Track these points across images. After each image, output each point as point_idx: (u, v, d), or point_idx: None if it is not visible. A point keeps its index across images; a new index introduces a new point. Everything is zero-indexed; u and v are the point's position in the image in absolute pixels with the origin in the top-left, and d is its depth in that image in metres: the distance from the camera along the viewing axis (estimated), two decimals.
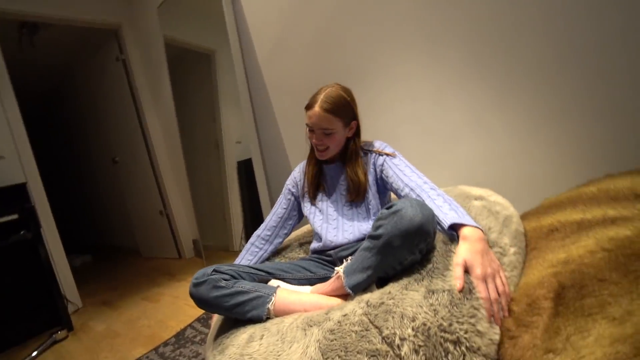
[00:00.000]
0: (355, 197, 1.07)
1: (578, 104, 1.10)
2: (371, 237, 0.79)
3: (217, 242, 2.90)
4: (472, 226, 0.77)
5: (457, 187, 1.08)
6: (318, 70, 1.74)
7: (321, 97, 1.01)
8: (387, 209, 0.78)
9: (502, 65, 1.21)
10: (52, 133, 4.97)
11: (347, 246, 1.06)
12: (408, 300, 0.70)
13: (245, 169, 2.59)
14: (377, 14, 1.47)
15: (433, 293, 0.70)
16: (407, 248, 0.74)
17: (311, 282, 1.04)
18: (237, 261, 1.17)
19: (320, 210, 1.14)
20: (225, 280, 0.89)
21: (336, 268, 0.87)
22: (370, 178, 1.08)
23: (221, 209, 2.75)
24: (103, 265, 3.66)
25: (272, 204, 2.23)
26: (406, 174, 1.00)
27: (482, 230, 0.77)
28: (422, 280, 0.74)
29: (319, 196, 1.16)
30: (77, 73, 3.75)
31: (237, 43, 2.06)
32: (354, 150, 1.09)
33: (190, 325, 1.65)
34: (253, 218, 2.57)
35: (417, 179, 0.96)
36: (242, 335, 0.83)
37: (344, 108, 1.03)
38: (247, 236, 2.70)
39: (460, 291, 0.69)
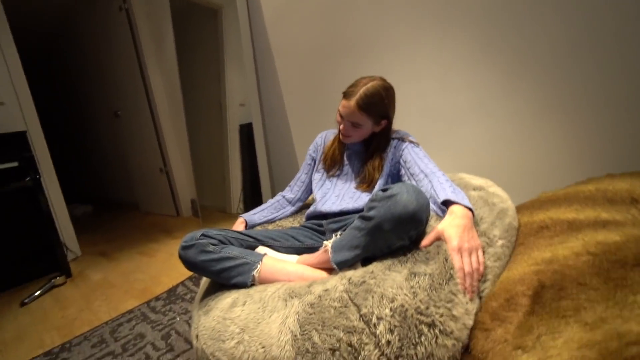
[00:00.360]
0: (365, 187, 1.10)
1: (588, 96, 1.06)
2: (363, 217, 0.79)
3: (215, 203, 2.93)
4: (462, 205, 0.79)
5: (457, 175, 1.07)
6: (324, 38, 1.67)
7: (360, 91, 1.01)
8: (383, 191, 0.78)
9: (512, 49, 1.16)
10: (54, 83, 4.89)
11: (340, 219, 1.07)
12: (389, 281, 0.71)
13: (248, 132, 2.56)
14: None
15: (415, 276, 0.71)
16: (398, 233, 0.75)
17: (299, 251, 1.06)
18: (257, 210, 1.27)
19: (330, 182, 1.19)
20: (213, 245, 0.90)
21: (325, 242, 0.88)
22: (386, 169, 1.09)
23: (221, 171, 2.75)
24: (103, 217, 3.73)
25: (271, 170, 2.23)
26: (424, 161, 1.02)
27: (472, 212, 0.79)
28: (406, 262, 0.75)
29: (333, 170, 1.19)
30: (79, 20, 3.62)
31: (244, 1, 1.96)
32: (377, 147, 1.11)
33: (182, 283, 1.70)
34: (253, 182, 2.57)
35: (433, 167, 1.00)
36: (226, 299, 0.86)
37: (378, 106, 1.03)
38: (245, 199, 2.75)
39: (423, 247, 0.75)
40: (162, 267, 1.98)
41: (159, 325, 1.35)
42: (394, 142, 1.12)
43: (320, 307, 0.71)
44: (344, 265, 0.83)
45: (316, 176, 1.23)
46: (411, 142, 1.09)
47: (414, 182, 1.01)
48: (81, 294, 1.80)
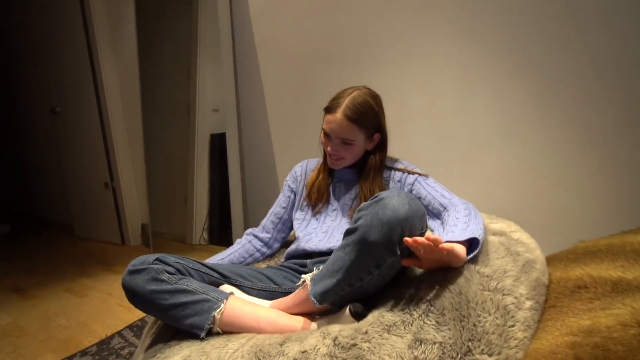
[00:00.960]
0: None
1: (634, 128, 1.08)
2: (347, 231, 0.80)
3: (172, 230, 2.88)
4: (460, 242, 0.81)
5: None
6: (320, 37, 1.70)
7: (345, 101, 1.06)
8: (372, 198, 0.81)
9: (549, 66, 1.19)
10: None
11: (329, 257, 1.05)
12: (387, 347, 0.68)
13: (220, 144, 2.56)
14: None
15: (421, 343, 0.68)
16: (387, 245, 0.74)
17: (274, 295, 1.04)
18: (222, 255, 1.23)
19: (316, 220, 1.21)
20: (169, 273, 0.87)
21: (304, 276, 0.88)
22: None
23: (183, 191, 2.72)
24: (23, 241, 3.62)
25: (245, 192, 2.21)
26: (445, 195, 1.06)
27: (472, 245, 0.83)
28: (411, 325, 0.72)
29: (319, 206, 1.22)
30: None
31: None
32: (373, 166, 1.15)
33: (119, 333, 1.64)
34: (222, 206, 2.55)
35: (451, 197, 1.06)
36: (175, 357, 0.81)
37: (369, 117, 1.09)
38: (211, 228, 2.70)
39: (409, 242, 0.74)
40: (94, 310, 1.91)
41: None
42: (396, 175, 1.16)
43: None
44: (326, 298, 0.82)
45: (299, 215, 1.25)
46: (419, 174, 1.14)
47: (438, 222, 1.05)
48: None
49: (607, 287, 0.73)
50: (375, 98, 1.11)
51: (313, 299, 0.82)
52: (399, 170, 1.16)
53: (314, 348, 0.71)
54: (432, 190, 1.09)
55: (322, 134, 1.14)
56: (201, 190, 2.69)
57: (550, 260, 0.96)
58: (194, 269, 0.96)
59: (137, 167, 2.98)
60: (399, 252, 0.76)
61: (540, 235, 1.02)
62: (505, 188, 1.32)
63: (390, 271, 0.79)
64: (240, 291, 1.00)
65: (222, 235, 2.61)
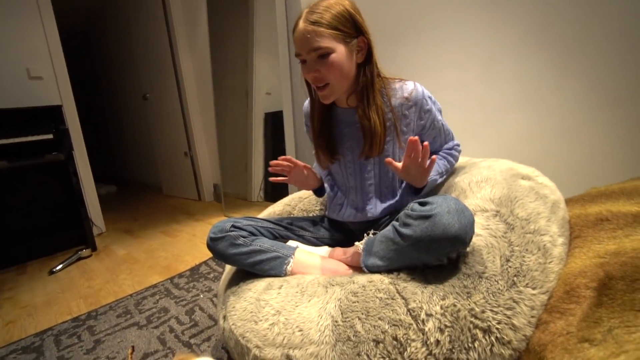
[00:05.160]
0: (369, 152, 0.85)
1: None
2: (398, 232, 0.67)
3: (237, 190, 2.93)
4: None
5: (500, 161, 0.98)
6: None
7: (306, 10, 0.77)
8: (420, 204, 0.65)
9: (566, 37, 1.08)
10: (88, 61, 4.99)
11: (369, 224, 0.96)
12: (441, 279, 0.65)
13: (272, 121, 2.54)
14: None
15: (469, 277, 0.64)
16: (435, 255, 0.64)
17: (331, 242, 1.01)
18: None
19: (334, 172, 0.97)
20: (243, 237, 0.85)
21: (356, 243, 0.81)
22: (410, 126, 0.87)
23: (244, 159, 2.74)
24: (126, 197, 3.79)
25: (297, 156, 2.20)
26: (447, 138, 0.95)
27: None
28: (459, 263, 0.67)
29: (332, 154, 0.92)
30: (115, 6, 3.66)
31: None
32: (366, 82, 0.81)
33: (204, 262, 1.69)
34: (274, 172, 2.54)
35: (450, 144, 0.95)
36: (260, 282, 0.82)
37: (339, 16, 0.75)
38: (266, 188, 2.73)
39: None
40: (184, 246, 1.97)
41: (182, 300, 1.33)
42: (412, 96, 0.83)
43: (365, 296, 0.66)
44: (375, 270, 0.74)
45: (317, 169, 1.02)
46: (434, 102, 0.89)
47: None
48: (106, 267, 1.81)
49: (629, 219, 0.67)
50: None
51: (365, 268, 0.75)
52: (407, 91, 0.84)
53: (380, 278, 0.69)
54: (439, 130, 0.91)
55: (301, 67, 0.81)
56: (258, 158, 2.70)
57: (567, 202, 0.89)
58: (263, 227, 0.92)
59: (210, 139, 3.01)
60: (446, 260, 0.65)
61: (556, 184, 0.95)
62: (524, 147, 1.23)
63: (438, 266, 0.68)
64: (303, 241, 0.97)
65: (275, 194, 2.63)
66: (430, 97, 0.88)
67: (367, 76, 0.81)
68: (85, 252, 2.01)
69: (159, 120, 3.33)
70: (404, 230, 0.65)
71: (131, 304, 1.36)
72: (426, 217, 0.62)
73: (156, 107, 3.29)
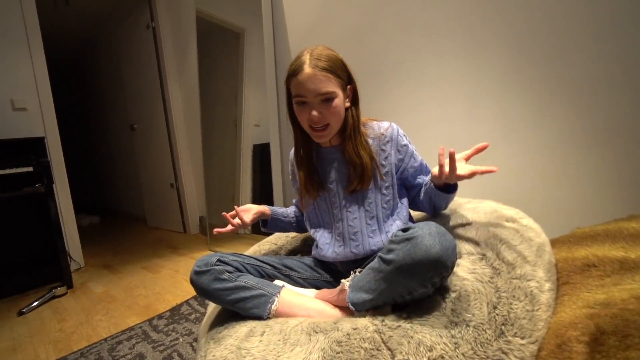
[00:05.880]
0: (360, 185, 0.88)
1: (628, 129, 1.01)
2: (382, 259, 0.69)
3: (223, 222, 2.87)
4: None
5: (485, 202, 0.99)
6: (348, 62, 1.67)
7: (308, 56, 0.81)
8: (403, 231, 0.68)
9: (547, 77, 1.12)
10: (75, 94, 4.99)
11: (357, 263, 0.94)
12: (427, 328, 0.63)
13: (261, 153, 2.54)
14: (416, 8, 1.39)
15: (456, 325, 0.62)
16: (419, 280, 0.65)
17: (317, 283, 0.99)
18: (278, 210, 1.11)
19: (318, 210, 0.97)
20: (229, 272, 0.84)
21: (342, 280, 0.80)
22: (388, 160, 0.90)
23: (231, 190, 2.71)
24: (109, 229, 3.68)
25: (284, 190, 2.19)
26: (426, 168, 0.95)
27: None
28: (445, 309, 0.66)
29: (316, 193, 0.95)
30: (106, 37, 3.73)
31: (270, 25, 1.99)
32: (352, 124, 0.87)
33: (186, 302, 1.62)
34: (262, 203, 2.52)
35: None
36: (242, 328, 0.79)
37: (338, 64, 0.83)
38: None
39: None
40: (166, 283, 1.90)
41: (160, 345, 1.26)
42: (387, 133, 0.89)
43: (349, 346, 0.63)
44: (362, 307, 0.74)
45: (305, 211, 1.02)
46: (409, 141, 0.93)
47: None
48: (81, 306, 1.72)
49: (615, 265, 0.67)
50: (334, 50, 0.86)
51: (351, 306, 0.74)
52: (383, 128, 0.90)
53: (364, 326, 0.67)
54: (416, 163, 0.93)
55: (295, 106, 0.85)
56: (245, 190, 2.67)
57: (553, 243, 0.89)
58: (249, 264, 0.91)
59: (196, 171, 2.99)
60: (430, 285, 0.65)
61: (540, 225, 0.95)
62: (507, 185, 1.25)
63: (423, 295, 0.68)
64: (290, 282, 0.95)
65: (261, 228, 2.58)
66: (404, 135, 0.93)
67: (354, 118, 0.88)
68: (60, 289, 1.91)
69: (145, 151, 3.31)
70: (388, 256, 0.67)
71: (105, 349, 1.28)
72: (408, 240, 0.65)
73: (143, 137, 3.28)
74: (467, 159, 0.82)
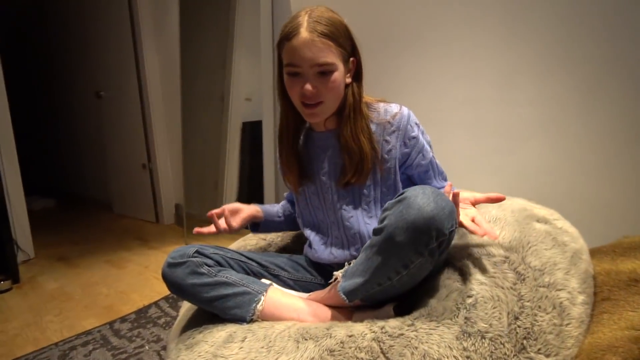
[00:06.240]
0: (354, 178, 0.87)
1: None
2: (374, 231, 0.72)
3: (203, 211, 2.86)
4: None
5: (514, 199, 0.99)
6: (361, 28, 1.64)
7: (306, 17, 0.79)
8: (396, 197, 0.70)
9: (594, 56, 1.12)
10: (29, 55, 4.94)
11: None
12: (435, 337, 0.64)
13: (251, 131, 2.54)
14: None
15: (469, 336, 0.63)
16: (414, 246, 0.66)
17: (310, 286, 1.00)
18: (271, 210, 1.11)
19: (311, 206, 0.99)
20: (209, 266, 0.84)
21: (335, 273, 0.81)
22: (392, 153, 0.89)
23: (214, 175, 2.72)
24: (67, 215, 3.69)
25: (277, 178, 2.19)
26: (438, 169, 0.96)
27: None
28: (457, 317, 0.67)
29: (304, 182, 0.96)
30: None
31: None
32: (353, 104, 0.85)
33: (155, 303, 1.65)
34: (251, 191, 2.53)
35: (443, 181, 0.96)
36: (220, 332, 0.79)
37: (341, 31, 0.80)
38: None
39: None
40: (132, 281, 1.92)
41: (122, 353, 1.28)
42: (395, 120, 0.87)
43: (343, 355, 0.64)
44: (354, 295, 0.75)
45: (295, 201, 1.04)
46: (422, 132, 0.91)
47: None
48: (29, 304, 1.74)
49: None
50: (337, 14, 0.83)
51: (343, 295, 0.76)
52: (390, 114, 0.87)
53: (361, 333, 0.68)
54: (429, 164, 0.92)
55: (286, 78, 0.83)
56: (231, 175, 2.68)
57: (594, 253, 0.90)
58: (232, 258, 0.91)
59: (174, 150, 2.99)
60: (427, 253, 0.67)
61: (579, 229, 0.95)
62: (542, 181, 1.25)
63: (420, 271, 0.70)
64: (278, 282, 0.96)
65: None
66: (417, 124, 0.91)
67: (355, 96, 0.86)
68: (4, 284, 1.93)
69: (113, 124, 3.30)
70: (381, 224, 0.69)
71: (55, 356, 1.30)
72: (400, 201, 0.67)
73: (111, 107, 3.26)
74: (475, 203, 0.81)
